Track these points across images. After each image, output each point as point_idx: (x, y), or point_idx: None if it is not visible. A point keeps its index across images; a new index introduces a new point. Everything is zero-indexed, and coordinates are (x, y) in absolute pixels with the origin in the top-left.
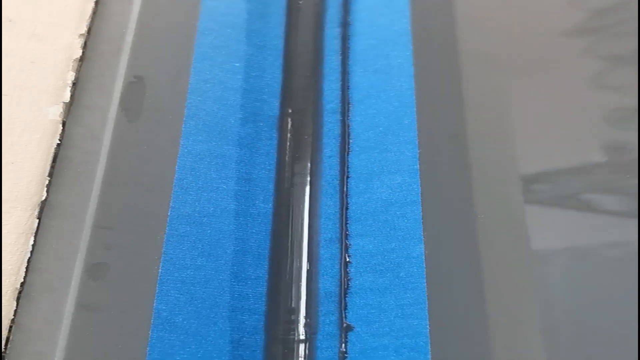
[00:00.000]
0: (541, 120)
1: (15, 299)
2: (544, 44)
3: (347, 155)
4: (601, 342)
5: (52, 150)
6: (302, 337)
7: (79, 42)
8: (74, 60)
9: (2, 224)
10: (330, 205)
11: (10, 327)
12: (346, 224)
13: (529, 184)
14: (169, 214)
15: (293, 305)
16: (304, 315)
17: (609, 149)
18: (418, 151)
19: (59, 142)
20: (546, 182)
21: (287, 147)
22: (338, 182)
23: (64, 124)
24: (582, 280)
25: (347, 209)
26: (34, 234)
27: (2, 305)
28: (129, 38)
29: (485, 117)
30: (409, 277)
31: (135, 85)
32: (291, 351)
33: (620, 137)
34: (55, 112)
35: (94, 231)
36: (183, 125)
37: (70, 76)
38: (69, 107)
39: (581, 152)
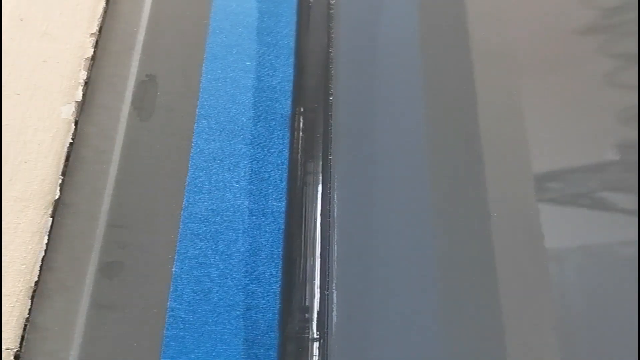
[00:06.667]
0: (554, 118)
1: (30, 297)
2: (556, 43)
3: None
4: (615, 339)
5: (65, 149)
6: (316, 335)
7: (91, 41)
8: (86, 59)
9: (16, 222)
10: None
11: (25, 325)
12: None
13: (542, 182)
14: (182, 212)
15: (307, 304)
16: (318, 313)
17: (622, 147)
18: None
19: (72, 141)
20: (559, 181)
21: (300, 145)
22: None
23: (76, 123)
24: (596, 278)
25: None
26: (47, 233)
27: (18, 303)
28: (140, 37)
29: (497, 115)
30: None
31: (147, 84)
32: (305, 349)
33: (633, 136)
34: (68, 111)
35: (108, 230)
36: (195, 124)
37: (82, 75)
38: (82, 106)
39: (594, 151)
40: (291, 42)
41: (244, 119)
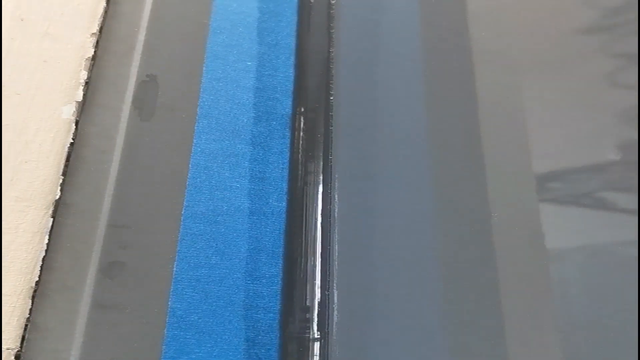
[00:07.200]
0: (555, 118)
1: (31, 297)
2: (557, 42)
3: None
4: (616, 338)
5: (66, 149)
6: (317, 335)
7: (91, 41)
8: (87, 59)
9: (17, 222)
10: None
11: (26, 325)
12: None
13: (543, 182)
14: (182, 212)
15: (308, 304)
16: (319, 313)
17: (623, 147)
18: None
19: (73, 141)
20: (560, 181)
21: (300, 145)
22: None
23: (77, 123)
24: (597, 278)
25: None
26: (48, 233)
27: (18, 303)
28: (141, 37)
29: (498, 115)
30: None
31: (147, 84)
32: (306, 349)
33: (634, 135)
34: (69, 111)
35: (109, 230)
36: (196, 124)
37: (83, 75)
38: (82, 106)
39: (595, 151)
40: (292, 42)
41: (245, 119)
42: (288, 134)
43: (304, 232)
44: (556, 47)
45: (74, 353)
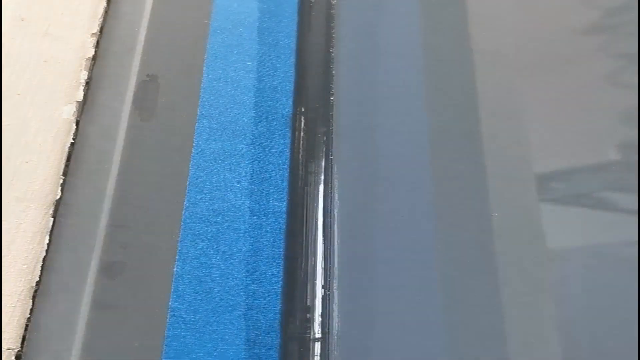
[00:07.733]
0: (555, 118)
1: (31, 297)
2: (557, 42)
3: None
4: (617, 340)
5: (67, 150)
6: (318, 335)
7: (92, 41)
8: (87, 59)
9: (18, 222)
10: None
11: (27, 325)
12: None
13: (543, 182)
14: (183, 212)
15: (309, 304)
16: (320, 313)
17: (623, 147)
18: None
19: (73, 141)
20: (561, 181)
21: (301, 145)
22: None
23: (77, 123)
24: (598, 278)
25: None
26: (49, 233)
27: (19, 304)
28: (142, 37)
29: (499, 115)
30: None
31: (148, 84)
32: (307, 349)
33: (634, 135)
34: (69, 111)
35: (109, 230)
36: (196, 124)
37: (84, 75)
38: (83, 106)
39: (596, 151)
40: (292, 42)
41: (245, 119)
42: (288, 134)
43: (304, 232)
44: (556, 47)
45: (74, 353)
